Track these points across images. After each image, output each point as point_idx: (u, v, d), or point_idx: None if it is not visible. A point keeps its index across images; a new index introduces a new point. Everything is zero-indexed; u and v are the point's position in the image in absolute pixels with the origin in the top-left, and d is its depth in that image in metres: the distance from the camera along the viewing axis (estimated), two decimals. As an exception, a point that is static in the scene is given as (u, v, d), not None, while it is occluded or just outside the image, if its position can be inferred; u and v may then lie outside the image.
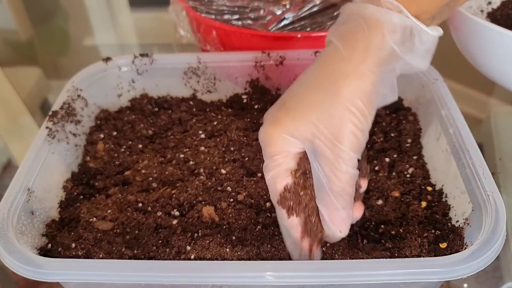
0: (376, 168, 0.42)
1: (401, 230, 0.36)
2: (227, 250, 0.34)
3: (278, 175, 0.30)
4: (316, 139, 0.28)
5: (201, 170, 0.43)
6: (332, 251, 0.34)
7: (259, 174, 0.42)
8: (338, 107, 0.27)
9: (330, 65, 0.28)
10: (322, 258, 0.34)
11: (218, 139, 0.46)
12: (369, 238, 0.36)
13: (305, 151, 0.30)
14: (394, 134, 0.46)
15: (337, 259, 0.34)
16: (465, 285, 0.42)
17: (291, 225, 0.31)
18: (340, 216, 0.30)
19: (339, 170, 0.28)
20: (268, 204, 0.39)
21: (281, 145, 0.29)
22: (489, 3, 0.60)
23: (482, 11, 0.59)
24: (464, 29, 0.45)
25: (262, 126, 0.31)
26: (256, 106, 0.51)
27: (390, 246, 0.34)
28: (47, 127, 0.43)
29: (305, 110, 0.28)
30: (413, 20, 0.28)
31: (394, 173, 0.42)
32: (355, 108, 0.27)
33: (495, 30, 0.42)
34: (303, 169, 0.31)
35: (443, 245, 0.34)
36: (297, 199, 0.31)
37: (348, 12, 0.30)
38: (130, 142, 0.47)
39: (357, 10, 0.28)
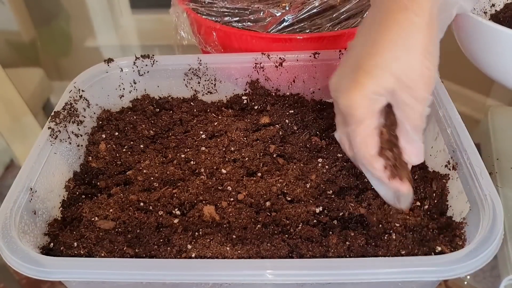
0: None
1: (399, 229, 0.36)
2: (228, 248, 0.34)
3: (369, 136, 0.32)
4: (397, 89, 0.31)
5: (202, 170, 0.43)
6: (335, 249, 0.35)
7: (259, 174, 0.42)
8: (415, 57, 0.30)
9: (397, 19, 0.30)
10: (323, 256, 0.34)
11: (219, 140, 0.46)
12: (367, 236, 0.36)
13: (385, 104, 0.32)
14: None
15: (341, 256, 0.34)
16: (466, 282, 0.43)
17: (384, 176, 0.34)
18: (418, 146, 0.34)
19: (417, 110, 0.32)
20: (268, 203, 0.40)
21: (367, 107, 0.31)
22: (493, 5, 0.60)
23: (485, 13, 0.60)
24: (467, 30, 0.45)
25: (339, 93, 0.32)
26: (256, 107, 0.51)
27: (388, 244, 0.35)
28: (49, 128, 0.43)
29: (385, 66, 0.30)
30: None
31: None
32: (428, 55, 0.31)
33: (496, 29, 0.42)
34: (389, 121, 0.33)
35: (441, 244, 0.34)
36: (389, 148, 0.34)
37: None
38: (132, 142, 0.47)
39: None
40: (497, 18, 0.60)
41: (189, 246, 0.35)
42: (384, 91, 0.31)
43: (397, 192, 0.35)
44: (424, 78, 0.31)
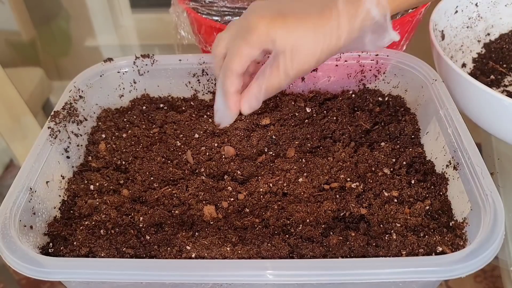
0: (375, 168, 0.42)
1: (400, 229, 0.36)
2: (228, 249, 0.34)
3: (245, 57, 0.36)
4: (283, 54, 0.35)
5: (202, 170, 0.43)
6: (336, 248, 0.35)
7: (260, 174, 0.42)
8: (314, 48, 0.35)
9: (328, 18, 0.35)
10: (323, 257, 0.34)
11: (219, 139, 0.46)
12: (367, 236, 0.36)
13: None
14: (393, 134, 0.46)
15: (342, 256, 0.34)
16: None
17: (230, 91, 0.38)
18: (254, 101, 0.38)
19: (279, 80, 0.36)
20: (268, 203, 0.40)
21: (261, 40, 0.35)
22: (488, 34, 0.61)
23: (479, 41, 0.61)
24: (451, 79, 0.47)
25: (255, 12, 0.36)
26: (256, 107, 0.51)
27: (389, 245, 0.35)
28: (49, 127, 0.43)
29: (295, 34, 0.35)
30: (389, 27, 0.36)
31: (393, 173, 0.42)
32: (319, 57, 0.36)
33: (472, 83, 0.44)
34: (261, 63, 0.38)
35: (442, 244, 0.34)
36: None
37: None
38: (132, 142, 0.47)
39: None
40: (489, 47, 0.61)
41: (189, 247, 0.35)
42: (282, 44, 0.35)
43: (227, 109, 0.38)
44: (303, 64, 0.36)
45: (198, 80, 0.52)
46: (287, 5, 0.36)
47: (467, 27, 0.61)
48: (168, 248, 0.35)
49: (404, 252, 0.34)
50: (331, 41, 0.36)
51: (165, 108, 0.52)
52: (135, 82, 0.53)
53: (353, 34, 0.36)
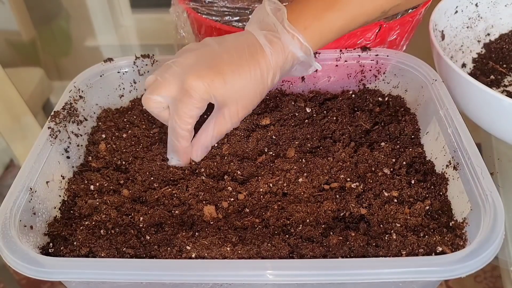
0: (374, 168, 0.42)
1: (400, 229, 0.36)
2: (228, 249, 0.34)
3: (193, 115, 0.40)
4: (227, 107, 0.40)
5: (202, 170, 0.43)
6: (337, 248, 0.35)
7: (260, 174, 0.42)
8: (254, 95, 0.40)
9: (259, 64, 0.39)
10: (324, 257, 0.34)
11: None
12: (367, 236, 0.36)
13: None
14: (393, 134, 0.46)
15: (342, 256, 0.34)
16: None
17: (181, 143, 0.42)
18: (203, 144, 0.43)
19: (226, 128, 0.42)
20: (268, 203, 0.40)
21: (205, 99, 0.39)
22: (488, 34, 0.61)
23: (479, 41, 0.61)
24: (450, 79, 0.46)
25: (191, 73, 0.38)
26: (256, 107, 0.51)
27: (388, 245, 0.35)
28: (49, 127, 0.43)
29: (236, 89, 0.39)
30: (314, 63, 0.42)
31: (393, 173, 0.42)
32: (259, 98, 0.41)
33: (470, 82, 0.44)
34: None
35: (442, 244, 0.34)
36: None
37: (270, 22, 0.40)
38: (132, 142, 0.47)
39: (280, 33, 0.39)
40: (489, 48, 0.61)
41: (189, 247, 0.35)
42: (219, 100, 0.39)
43: (177, 157, 0.43)
44: (243, 111, 0.41)
45: (198, 80, 0.52)
46: (219, 60, 0.39)
47: (467, 27, 0.61)
48: (168, 248, 0.35)
49: (404, 252, 0.34)
50: (267, 83, 0.40)
51: (165, 108, 0.52)
52: (135, 82, 0.53)
53: (283, 73, 0.41)
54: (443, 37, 0.57)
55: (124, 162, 0.45)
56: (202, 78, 0.38)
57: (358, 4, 0.39)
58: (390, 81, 0.51)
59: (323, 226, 0.37)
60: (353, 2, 0.39)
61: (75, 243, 0.36)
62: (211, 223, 0.38)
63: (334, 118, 0.48)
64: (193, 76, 0.38)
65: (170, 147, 0.42)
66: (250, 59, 0.39)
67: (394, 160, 0.43)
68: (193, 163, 0.43)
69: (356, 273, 0.31)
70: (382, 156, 0.43)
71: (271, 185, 0.41)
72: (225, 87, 0.38)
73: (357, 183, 0.41)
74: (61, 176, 0.43)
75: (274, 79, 0.40)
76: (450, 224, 0.37)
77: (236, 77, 0.38)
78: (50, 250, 0.37)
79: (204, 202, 0.40)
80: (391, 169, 0.42)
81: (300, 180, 0.41)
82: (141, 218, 0.39)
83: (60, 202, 0.41)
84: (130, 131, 0.48)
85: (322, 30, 0.40)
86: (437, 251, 0.34)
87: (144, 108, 0.42)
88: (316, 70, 0.43)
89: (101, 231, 0.38)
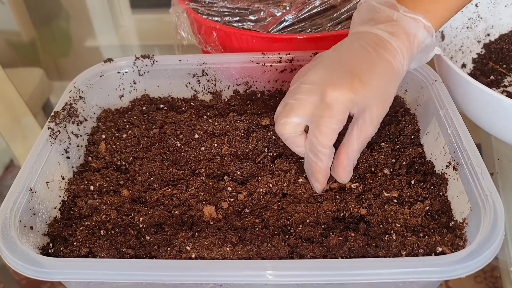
0: (374, 168, 0.42)
1: (400, 230, 0.36)
2: (228, 249, 0.34)
3: (335, 130, 0.37)
4: (369, 110, 0.37)
5: (202, 170, 0.43)
6: (336, 249, 0.35)
7: (260, 175, 0.42)
8: (390, 94, 0.39)
9: (390, 62, 0.38)
10: (323, 257, 0.34)
11: (219, 140, 0.46)
12: (367, 237, 0.36)
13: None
14: (392, 134, 0.46)
15: (342, 257, 0.34)
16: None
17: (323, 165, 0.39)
18: (349, 167, 0.39)
19: (370, 134, 0.39)
20: (268, 204, 0.40)
21: (346, 106, 0.36)
22: (488, 34, 0.61)
23: (479, 42, 0.61)
24: (450, 79, 0.47)
25: (329, 85, 0.36)
26: (256, 108, 0.51)
27: (388, 245, 0.35)
28: (49, 128, 0.43)
29: (375, 89, 0.37)
30: (434, 42, 0.39)
31: (392, 173, 0.42)
32: (392, 97, 0.39)
33: (471, 83, 0.44)
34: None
35: (442, 245, 0.34)
36: None
37: (385, 15, 0.39)
38: (132, 143, 0.47)
39: (400, 22, 0.38)
40: (489, 48, 0.61)
41: (189, 247, 0.35)
42: (361, 106, 0.37)
43: (315, 180, 0.40)
44: (384, 113, 0.39)
45: (198, 80, 0.52)
46: (347, 64, 0.37)
47: (467, 27, 0.61)
48: (168, 249, 0.35)
49: (404, 253, 0.34)
50: (401, 74, 0.38)
51: (165, 108, 0.52)
52: (135, 83, 0.53)
53: (410, 63, 0.39)
54: (443, 37, 0.57)
55: (124, 163, 0.45)
56: (341, 86, 0.36)
57: None
58: (390, 81, 0.51)
59: (323, 226, 0.37)
60: None
61: (75, 243, 0.36)
62: (211, 223, 0.38)
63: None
64: (332, 86, 0.36)
65: (310, 172, 0.39)
66: (379, 55, 0.37)
67: (394, 160, 0.43)
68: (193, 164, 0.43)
69: (356, 274, 0.31)
70: (382, 156, 0.43)
71: (271, 185, 0.41)
72: (365, 88, 0.36)
73: (357, 184, 0.41)
74: (61, 176, 0.43)
75: (405, 68, 0.39)
76: (450, 225, 0.37)
77: (373, 75, 0.37)
78: (50, 251, 0.37)
79: (204, 202, 0.40)
80: (391, 170, 0.42)
81: (300, 180, 0.41)
82: (141, 219, 0.39)
83: (60, 203, 0.41)
84: (130, 132, 0.48)
85: (442, 11, 0.39)
86: (437, 252, 0.34)
87: (281, 132, 0.38)
88: (434, 56, 0.41)
89: (101, 231, 0.38)
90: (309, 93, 0.37)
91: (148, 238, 0.37)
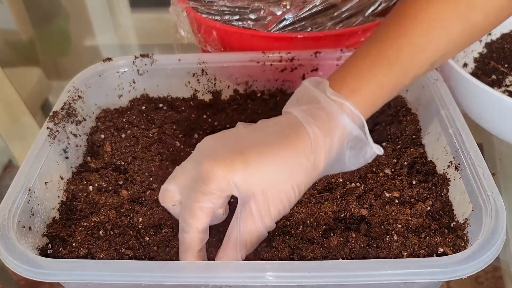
0: (375, 168, 0.42)
1: (401, 230, 0.36)
2: (228, 250, 0.34)
3: (205, 210, 0.32)
4: (253, 199, 0.31)
5: (202, 171, 0.43)
6: (336, 250, 0.34)
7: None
8: (287, 185, 0.32)
9: (297, 148, 0.32)
10: (324, 258, 0.34)
11: (219, 140, 0.46)
12: (368, 238, 0.36)
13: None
14: (394, 134, 0.46)
15: (342, 258, 0.34)
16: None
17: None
18: (230, 257, 0.33)
19: (256, 229, 0.32)
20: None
21: (223, 189, 0.31)
22: (489, 34, 0.61)
23: (480, 41, 0.61)
24: (452, 78, 0.46)
25: (210, 157, 0.31)
26: (256, 107, 0.51)
27: (389, 246, 0.34)
28: (48, 128, 0.43)
29: (261, 173, 0.31)
30: (369, 139, 0.33)
31: (394, 173, 0.42)
32: (298, 191, 0.32)
33: (473, 82, 0.43)
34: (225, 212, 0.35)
35: (443, 246, 0.34)
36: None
37: (310, 95, 0.34)
38: (131, 142, 0.47)
39: (323, 104, 0.32)
40: (490, 47, 0.61)
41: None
42: (244, 190, 0.31)
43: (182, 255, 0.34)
44: (280, 207, 0.32)
45: (198, 80, 0.52)
46: (245, 140, 0.32)
47: (468, 27, 0.60)
48: (168, 250, 0.35)
49: (405, 253, 0.34)
50: (307, 172, 0.32)
51: (165, 108, 0.52)
52: (134, 82, 0.52)
53: (330, 158, 0.32)
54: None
55: (123, 163, 0.45)
56: (218, 161, 0.31)
57: (407, 57, 0.32)
58: (390, 81, 0.51)
59: (323, 227, 0.37)
60: (402, 55, 0.32)
61: (74, 244, 0.36)
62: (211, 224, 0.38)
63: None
64: (208, 159, 0.31)
65: (180, 248, 0.34)
66: (284, 139, 0.32)
67: (395, 160, 0.43)
68: None
69: (357, 275, 0.30)
70: (383, 156, 0.43)
71: (271, 185, 0.41)
72: (247, 169, 0.30)
73: (358, 184, 0.40)
74: (60, 176, 0.43)
75: (319, 166, 0.32)
76: (452, 225, 0.37)
77: (263, 158, 0.31)
78: (48, 251, 0.37)
79: (203, 202, 0.40)
80: (392, 170, 0.42)
81: (301, 180, 0.41)
82: (140, 219, 0.38)
83: (58, 203, 0.41)
84: (129, 131, 0.48)
85: (372, 90, 0.33)
86: (439, 252, 0.34)
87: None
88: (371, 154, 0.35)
89: (100, 232, 0.37)
90: (191, 162, 0.33)
91: (148, 239, 0.37)
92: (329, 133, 0.32)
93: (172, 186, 0.34)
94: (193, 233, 0.32)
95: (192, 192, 0.32)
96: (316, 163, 0.32)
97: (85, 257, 0.35)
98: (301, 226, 0.37)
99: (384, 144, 0.44)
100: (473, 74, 0.58)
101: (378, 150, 0.34)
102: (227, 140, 0.33)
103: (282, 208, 0.32)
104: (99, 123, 0.49)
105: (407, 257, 0.34)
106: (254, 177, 0.31)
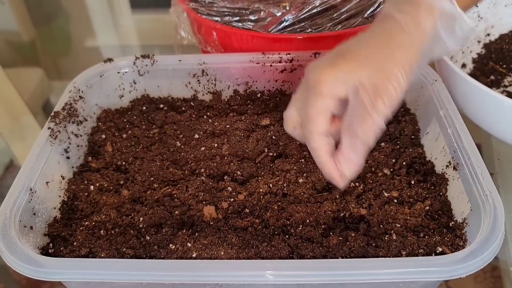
0: (374, 168, 0.42)
1: (400, 230, 0.36)
2: (228, 249, 0.34)
3: (322, 112, 0.33)
4: (362, 87, 0.32)
5: (202, 170, 0.43)
6: (336, 249, 0.35)
7: (260, 175, 0.42)
8: (390, 65, 0.32)
9: (390, 34, 0.33)
10: (324, 257, 0.34)
11: (219, 140, 0.46)
12: (367, 237, 0.36)
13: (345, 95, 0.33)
14: (393, 134, 0.46)
15: (342, 257, 0.34)
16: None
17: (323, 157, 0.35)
18: (356, 159, 0.34)
19: (372, 119, 0.32)
20: (268, 204, 0.40)
21: (331, 83, 0.32)
22: (488, 34, 0.61)
23: (479, 42, 0.61)
24: (449, 78, 0.47)
25: (312, 69, 0.34)
26: (256, 107, 0.51)
27: (388, 245, 0.35)
28: (49, 128, 0.43)
29: (361, 60, 0.32)
30: (459, 11, 0.32)
31: (393, 173, 0.42)
32: (402, 70, 0.32)
33: (470, 83, 0.44)
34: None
35: (442, 245, 0.34)
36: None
37: None
38: (132, 143, 0.47)
39: None
40: (489, 48, 0.61)
41: (189, 247, 0.35)
42: (350, 81, 0.32)
43: (330, 175, 0.35)
44: (390, 90, 0.32)
45: (198, 80, 0.52)
46: (342, 46, 0.34)
47: (467, 27, 0.61)
48: (168, 249, 0.35)
49: (404, 253, 0.34)
50: (406, 50, 0.32)
51: (165, 108, 0.52)
52: (135, 83, 0.53)
53: (426, 35, 0.32)
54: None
55: (124, 163, 0.45)
56: (322, 64, 0.33)
57: None
58: (390, 81, 0.51)
59: (323, 226, 0.37)
60: None
61: (75, 243, 0.36)
62: (211, 223, 0.38)
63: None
64: (313, 67, 0.33)
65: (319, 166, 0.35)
66: (377, 30, 0.33)
67: (394, 160, 0.43)
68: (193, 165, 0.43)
69: (356, 274, 0.31)
70: (382, 156, 0.43)
71: (271, 185, 0.41)
72: (349, 62, 0.32)
73: (357, 184, 0.41)
74: (61, 176, 0.43)
75: (415, 40, 0.32)
76: (450, 225, 0.37)
77: (360, 50, 0.32)
78: (50, 251, 0.37)
79: (204, 202, 0.40)
80: (391, 170, 0.42)
81: (300, 180, 0.41)
82: (141, 219, 0.39)
83: (60, 203, 0.41)
84: (130, 132, 0.48)
85: None
86: (437, 252, 0.34)
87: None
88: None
89: (101, 231, 0.38)
90: (302, 84, 0.35)
91: (148, 238, 0.37)
92: (416, 10, 0.32)
93: (291, 109, 0.36)
94: (317, 138, 0.33)
95: (306, 100, 0.34)
96: (412, 40, 0.32)
97: (86, 256, 0.35)
98: (301, 226, 0.37)
99: (383, 144, 0.45)
100: (472, 74, 0.58)
101: (470, 23, 0.34)
102: (327, 55, 0.34)
103: (393, 90, 0.32)
104: (100, 123, 0.50)
105: (406, 256, 0.34)
106: (356, 68, 0.32)
